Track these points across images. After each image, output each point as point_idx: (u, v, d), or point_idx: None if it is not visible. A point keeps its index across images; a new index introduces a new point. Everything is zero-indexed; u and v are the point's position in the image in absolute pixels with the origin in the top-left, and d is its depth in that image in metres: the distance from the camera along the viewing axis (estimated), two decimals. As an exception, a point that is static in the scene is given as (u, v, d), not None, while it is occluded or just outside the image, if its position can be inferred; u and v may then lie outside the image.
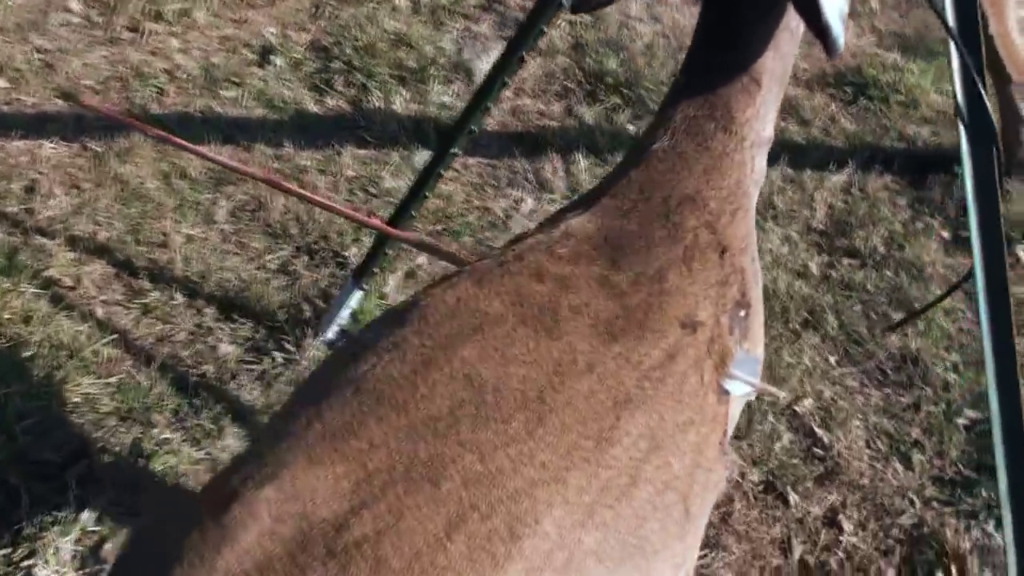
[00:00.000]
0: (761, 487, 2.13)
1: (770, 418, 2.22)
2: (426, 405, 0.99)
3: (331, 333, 2.35)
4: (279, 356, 2.33)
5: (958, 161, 1.44)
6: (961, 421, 2.24)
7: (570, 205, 1.33)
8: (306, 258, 2.58)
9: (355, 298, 2.32)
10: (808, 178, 2.80)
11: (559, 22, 3.23)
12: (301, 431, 0.98)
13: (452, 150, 2.04)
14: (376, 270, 2.30)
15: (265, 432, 1.10)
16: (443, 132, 2.75)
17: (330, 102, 3.04)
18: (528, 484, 0.95)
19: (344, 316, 2.34)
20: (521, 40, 1.88)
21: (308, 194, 1.97)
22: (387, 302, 2.40)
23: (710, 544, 2.04)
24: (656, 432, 1.06)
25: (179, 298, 2.43)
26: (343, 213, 1.98)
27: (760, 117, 1.32)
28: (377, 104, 3.02)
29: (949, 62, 1.42)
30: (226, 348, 2.38)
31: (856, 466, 2.16)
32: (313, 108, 3.01)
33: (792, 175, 2.81)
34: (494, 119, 2.99)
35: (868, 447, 2.20)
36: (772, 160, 2.79)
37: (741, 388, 1.13)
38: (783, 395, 1.46)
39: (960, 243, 2.62)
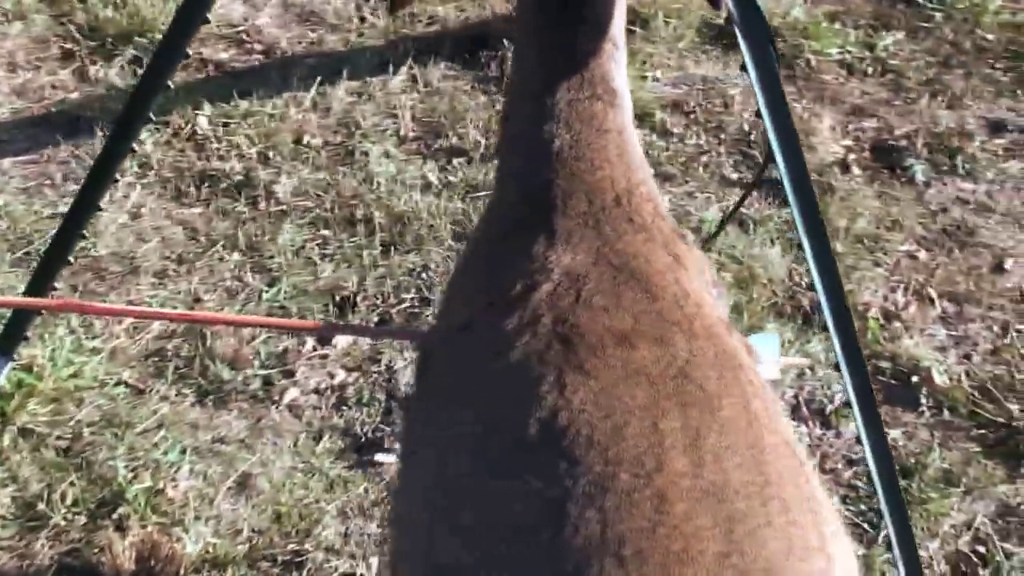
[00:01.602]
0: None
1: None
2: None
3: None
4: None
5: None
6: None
7: (497, 234, 1.22)
8: None
9: (2, 372, 1.93)
10: (376, 86, 2.74)
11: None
12: None
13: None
14: (25, 338, 1.92)
15: None
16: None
17: None
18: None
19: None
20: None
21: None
22: (36, 375, 2.02)
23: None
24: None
25: None
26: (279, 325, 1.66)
27: (625, 78, 1.29)
28: None
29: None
30: None
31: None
32: None
33: (357, 87, 2.73)
34: (6, 107, 2.55)
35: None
36: (333, 78, 2.73)
37: (771, 371, 1.15)
38: (807, 362, 1.48)
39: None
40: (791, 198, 1.54)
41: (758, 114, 1.54)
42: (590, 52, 1.23)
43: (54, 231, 1.77)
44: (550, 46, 1.24)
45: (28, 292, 1.80)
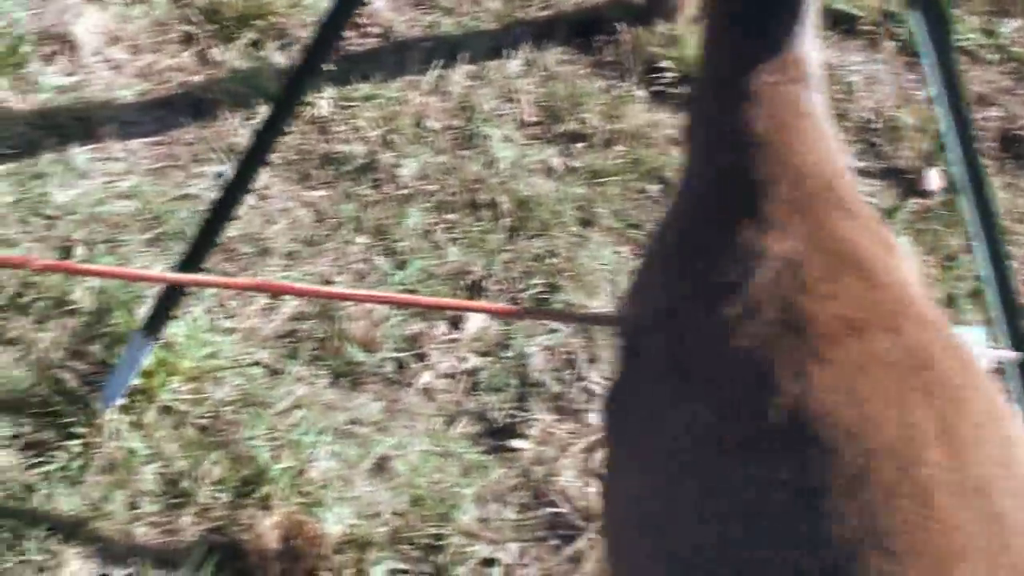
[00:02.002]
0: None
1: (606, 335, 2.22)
2: None
3: (121, 398, 1.97)
4: (72, 444, 1.93)
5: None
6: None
7: (694, 219, 1.21)
8: (26, 319, 2.12)
9: (146, 354, 1.95)
10: (492, 70, 2.73)
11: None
12: None
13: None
14: (168, 320, 1.94)
15: None
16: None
17: None
18: None
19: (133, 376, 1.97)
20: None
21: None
22: (175, 353, 2.04)
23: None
24: None
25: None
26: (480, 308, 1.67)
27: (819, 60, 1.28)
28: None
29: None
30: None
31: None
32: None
33: (474, 71, 2.72)
34: (132, 89, 2.57)
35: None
36: (449, 62, 2.73)
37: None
38: (1017, 356, 1.46)
39: (659, 98, 2.71)
40: (964, 189, 1.51)
41: (930, 101, 1.51)
42: (786, 34, 1.22)
43: (205, 211, 1.78)
44: (744, 29, 1.23)
45: (180, 271, 1.81)
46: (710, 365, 1.04)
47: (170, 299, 1.86)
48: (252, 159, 1.73)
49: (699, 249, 1.16)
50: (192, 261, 1.81)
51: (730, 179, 1.18)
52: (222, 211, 1.77)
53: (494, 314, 2.13)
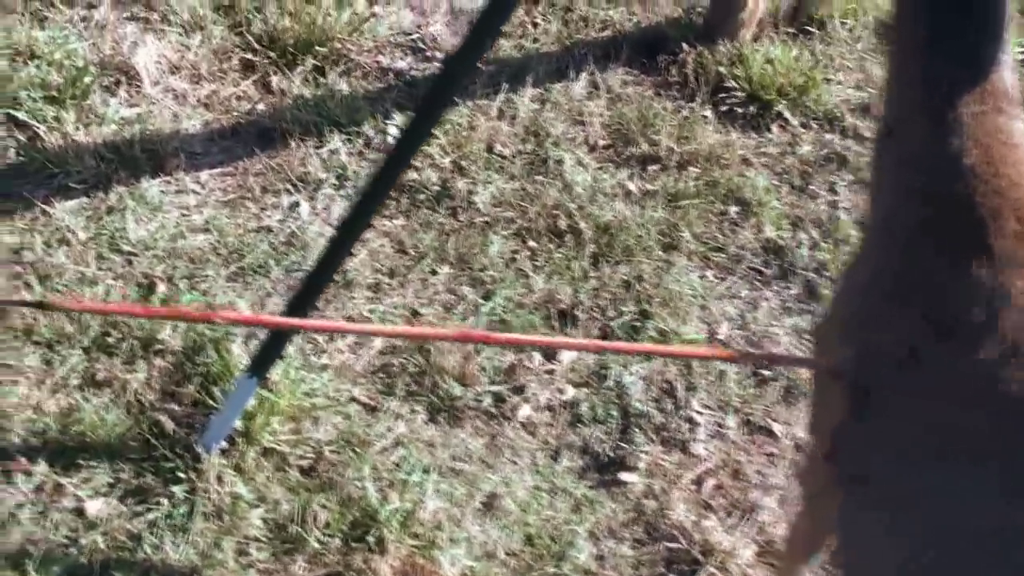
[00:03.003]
0: (741, 429, 2.11)
1: (702, 363, 2.19)
2: None
3: (224, 441, 1.92)
4: (176, 491, 1.88)
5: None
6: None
7: (910, 255, 1.17)
8: (115, 360, 2.07)
9: (250, 395, 1.90)
10: (557, 93, 2.69)
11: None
12: None
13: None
14: (276, 362, 1.89)
15: None
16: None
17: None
18: None
19: (237, 418, 1.92)
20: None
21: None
22: (276, 395, 1.99)
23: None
24: None
25: None
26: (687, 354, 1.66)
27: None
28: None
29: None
30: (95, 505, 1.87)
31: (797, 370, 2.20)
32: None
33: (540, 94, 2.69)
34: (197, 119, 2.52)
35: (798, 351, 2.25)
36: (514, 86, 2.69)
37: None
38: None
39: (729, 118, 2.68)
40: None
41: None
42: (990, 61, 1.19)
43: (322, 249, 1.74)
44: (945, 56, 1.20)
45: (289, 313, 1.77)
46: (976, 416, 1.00)
47: (279, 341, 1.81)
48: (376, 191, 1.68)
49: (930, 288, 1.13)
50: (303, 301, 1.76)
51: (947, 213, 1.14)
52: (337, 250, 1.72)
53: (704, 359, 2.07)
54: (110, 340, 2.08)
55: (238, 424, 1.92)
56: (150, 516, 1.86)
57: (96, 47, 2.62)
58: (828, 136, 2.67)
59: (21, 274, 2.16)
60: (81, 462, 1.91)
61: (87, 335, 2.08)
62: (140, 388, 2.02)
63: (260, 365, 1.83)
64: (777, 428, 2.09)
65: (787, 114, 2.68)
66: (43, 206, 2.29)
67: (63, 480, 1.89)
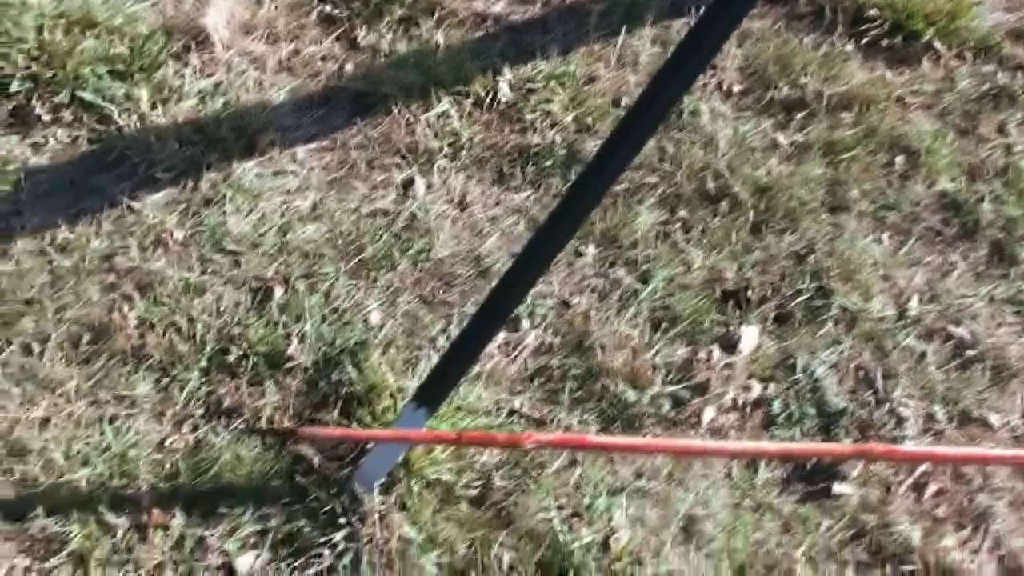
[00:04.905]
0: (953, 421, 1.86)
1: (905, 339, 1.94)
2: None
3: (384, 476, 1.66)
4: (337, 537, 1.62)
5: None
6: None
7: None
8: (239, 382, 1.80)
9: (420, 427, 1.63)
10: (677, 32, 2.39)
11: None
12: None
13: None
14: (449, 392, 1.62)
15: None
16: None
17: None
18: None
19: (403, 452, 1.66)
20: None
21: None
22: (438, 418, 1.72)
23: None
24: None
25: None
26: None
27: None
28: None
29: None
30: (246, 561, 1.61)
31: (1003, 347, 1.95)
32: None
33: (659, 34, 2.38)
34: (281, 86, 2.22)
35: (1000, 325, 1.99)
36: (633, 26, 2.37)
37: None
38: None
39: (874, 52, 2.39)
40: None
41: None
42: None
43: (505, 272, 1.46)
44: None
45: (457, 348, 1.50)
46: None
47: (456, 367, 1.54)
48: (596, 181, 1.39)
49: None
50: (477, 340, 1.49)
51: None
52: (519, 278, 1.44)
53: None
54: (229, 358, 1.81)
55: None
56: (310, 571, 1.60)
57: (158, 8, 2.29)
58: (986, 68, 2.38)
59: (117, 284, 1.87)
60: (222, 509, 1.65)
61: (204, 353, 1.81)
62: (274, 414, 1.75)
63: (431, 394, 1.56)
64: (994, 419, 1.84)
65: (937, 44, 2.39)
66: (129, 202, 1.99)
67: (204, 532, 1.62)
